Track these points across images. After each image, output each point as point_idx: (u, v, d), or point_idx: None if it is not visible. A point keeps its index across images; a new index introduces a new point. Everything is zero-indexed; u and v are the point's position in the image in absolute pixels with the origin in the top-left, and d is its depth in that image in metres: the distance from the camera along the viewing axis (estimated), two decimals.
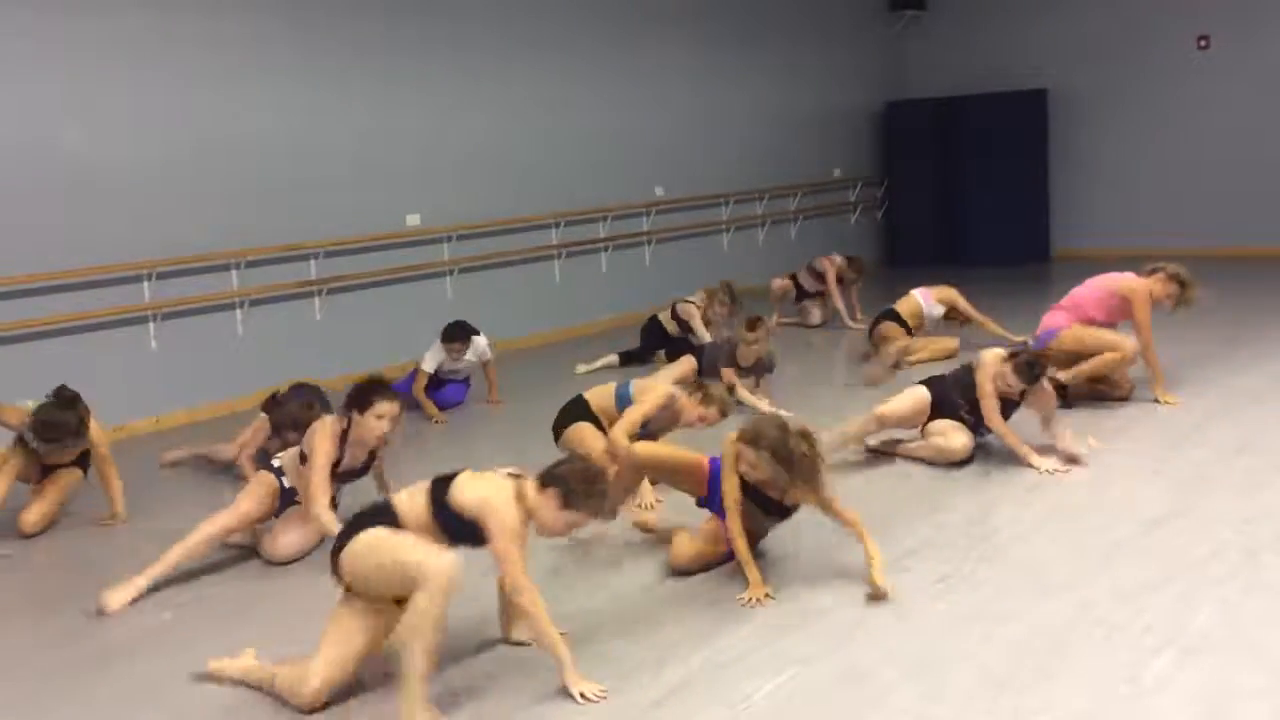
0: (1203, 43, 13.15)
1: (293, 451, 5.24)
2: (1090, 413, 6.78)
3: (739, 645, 4.01)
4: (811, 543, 4.82)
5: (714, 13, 12.19)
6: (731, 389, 7.20)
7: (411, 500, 3.78)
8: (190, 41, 8.00)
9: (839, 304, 10.26)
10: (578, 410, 6.13)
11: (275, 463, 5.23)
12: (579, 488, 3.71)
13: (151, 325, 7.88)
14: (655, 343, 9.03)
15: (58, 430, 5.55)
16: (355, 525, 3.77)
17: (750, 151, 12.63)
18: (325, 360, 8.51)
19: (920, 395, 6.07)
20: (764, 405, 7.11)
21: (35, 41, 7.30)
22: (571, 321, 10.66)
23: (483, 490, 3.72)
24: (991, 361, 5.91)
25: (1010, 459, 5.89)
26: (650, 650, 4.00)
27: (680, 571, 4.69)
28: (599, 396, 6.12)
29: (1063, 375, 6.82)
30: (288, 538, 5.14)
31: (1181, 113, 13.29)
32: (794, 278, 10.60)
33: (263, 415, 6.30)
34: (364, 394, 5.01)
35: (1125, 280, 6.96)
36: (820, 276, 10.38)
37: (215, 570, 5.09)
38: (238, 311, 8.32)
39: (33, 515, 5.72)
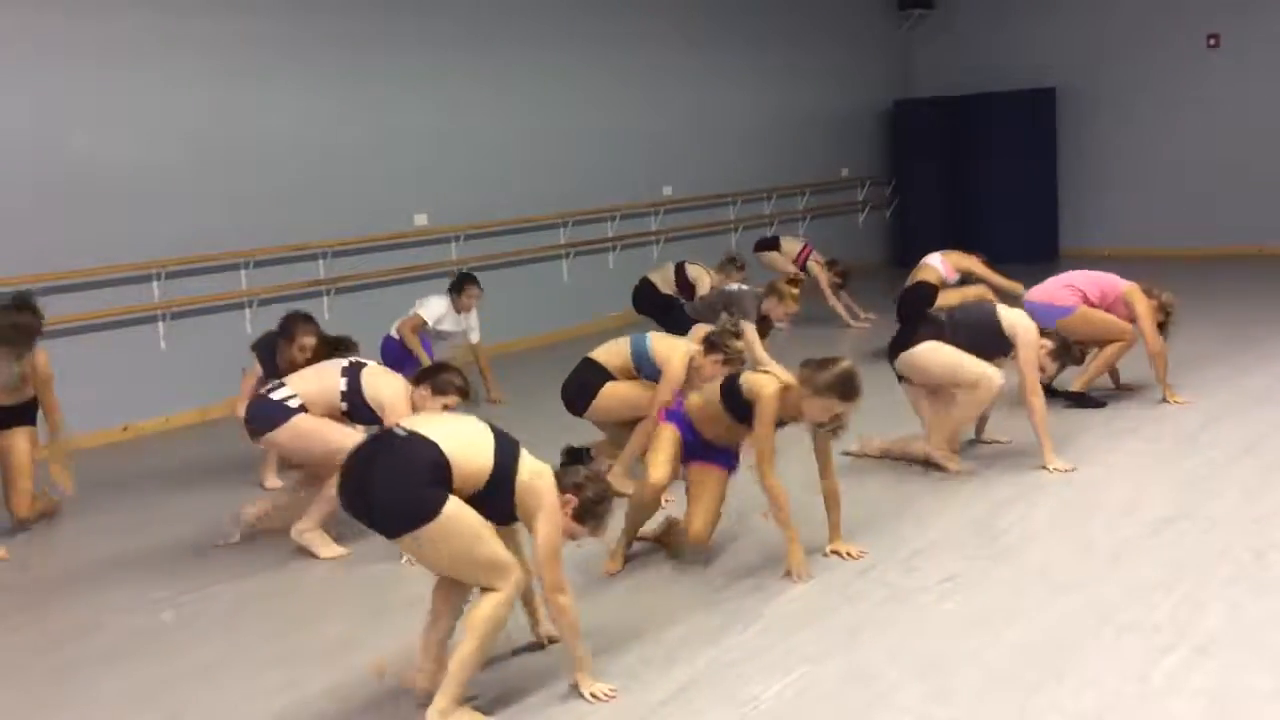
0: (1212, 41, 13.11)
1: (327, 389, 5.17)
2: (1097, 412, 6.77)
3: (747, 644, 4.01)
4: (815, 542, 4.82)
5: (721, 13, 12.18)
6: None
7: (472, 459, 3.51)
8: (193, 42, 8.01)
9: (835, 305, 10.25)
10: (594, 375, 5.77)
11: (295, 403, 5.11)
12: (594, 506, 3.66)
13: (161, 325, 7.89)
14: (648, 308, 8.74)
15: (19, 332, 5.48)
16: (413, 475, 3.43)
17: (758, 151, 12.63)
18: None
19: (993, 375, 5.74)
20: (776, 368, 6.96)
21: (35, 41, 7.31)
22: (579, 321, 10.65)
23: (540, 473, 3.61)
24: (1035, 342, 5.81)
25: (1018, 460, 5.89)
26: (657, 649, 4.00)
27: (703, 543, 4.70)
28: (613, 356, 5.78)
29: (1077, 384, 6.88)
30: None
31: (1191, 111, 13.25)
32: (776, 243, 10.74)
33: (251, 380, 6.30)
34: (446, 380, 4.96)
35: (1130, 286, 6.94)
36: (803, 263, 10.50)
37: (215, 570, 5.09)
38: (247, 311, 8.33)
39: (22, 500, 5.71)
